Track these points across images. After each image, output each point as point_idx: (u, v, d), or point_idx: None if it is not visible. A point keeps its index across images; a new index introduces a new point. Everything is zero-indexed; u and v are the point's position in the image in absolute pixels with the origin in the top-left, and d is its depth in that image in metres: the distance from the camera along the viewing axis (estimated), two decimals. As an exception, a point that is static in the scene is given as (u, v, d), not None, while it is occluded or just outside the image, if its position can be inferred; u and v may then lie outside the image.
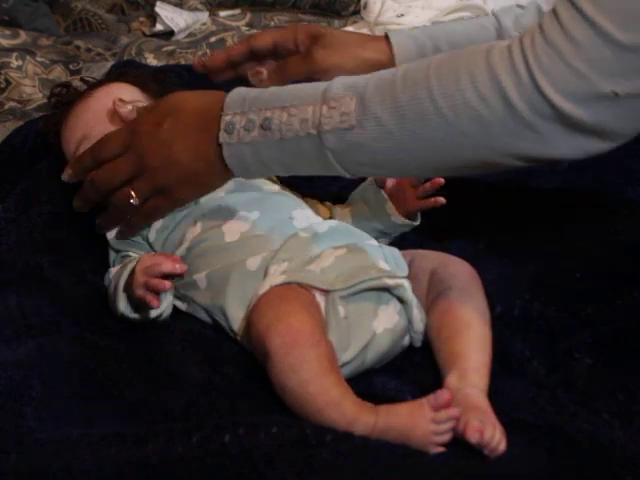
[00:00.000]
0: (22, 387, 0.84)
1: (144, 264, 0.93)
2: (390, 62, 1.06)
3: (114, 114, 1.09)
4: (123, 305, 0.94)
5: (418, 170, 0.86)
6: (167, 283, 0.91)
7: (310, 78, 1.05)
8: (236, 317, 0.94)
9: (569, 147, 0.77)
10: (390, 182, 1.07)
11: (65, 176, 1.02)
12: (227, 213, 1.01)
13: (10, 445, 0.76)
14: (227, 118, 0.88)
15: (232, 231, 0.99)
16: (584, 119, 0.75)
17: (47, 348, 0.90)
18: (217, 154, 0.89)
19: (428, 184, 1.04)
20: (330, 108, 0.83)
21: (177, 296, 0.99)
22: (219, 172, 0.91)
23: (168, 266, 0.91)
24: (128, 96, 1.13)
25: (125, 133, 0.97)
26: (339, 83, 0.85)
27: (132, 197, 0.96)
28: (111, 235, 1.05)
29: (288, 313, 0.85)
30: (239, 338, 0.94)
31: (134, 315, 0.95)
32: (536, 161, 0.80)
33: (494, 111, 0.76)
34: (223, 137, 0.88)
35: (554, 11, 0.76)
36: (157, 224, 1.04)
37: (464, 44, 0.99)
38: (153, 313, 0.94)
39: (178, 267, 0.92)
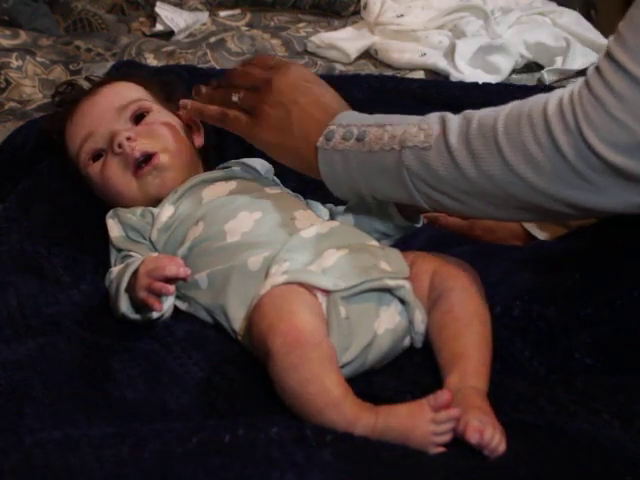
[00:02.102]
0: (22, 387, 0.84)
1: (147, 266, 0.92)
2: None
3: (120, 112, 1.10)
4: (125, 306, 0.94)
5: (480, 207, 0.89)
6: (171, 288, 0.90)
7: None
8: (237, 317, 0.94)
9: (619, 197, 0.81)
10: None
11: (196, 91, 1.05)
12: (229, 213, 1.01)
13: (10, 445, 0.76)
14: (332, 127, 0.96)
15: (234, 231, 0.99)
16: (632, 169, 0.79)
17: (47, 348, 0.90)
18: (313, 152, 0.96)
19: None
20: (420, 129, 0.90)
21: (178, 296, 0.99)
22: (307, 162, 0.97)
23: (172, 270, 0.90)
24: (133, 95, 1.13)
25: (271, 71, 1.02)
26: (436, 114, 0.92)
27: (238, 95, 1.00)
28: (114, 234, 1.05)
29: (290, 313, 0.85)
30: (240, 338, 0.94)
31: (135, 316, 0.95)
32: (589, 212, 0.85)
33: (548, 157, 0.82)
34: (321, 142, 0.96)
35: (597, 67, 0.81)
36: (159, 224, 1.04)
37: None
38: (155, 314, 0.94)
39: (182, 271, 0.91)
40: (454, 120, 0.89)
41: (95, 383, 0.86)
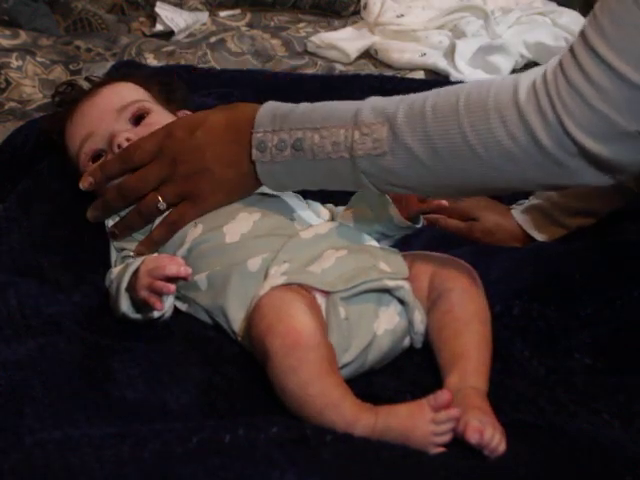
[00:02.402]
0: (22, 387, 0.84)
1: (148, 266, 0.92)
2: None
3: (120, 113, 1.10)
4: (125, 305, 0.94)
5: (450, 195, 0.91)
6: (172, 287, 0.91)
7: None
8: (237, 318, 0.94)
9: (593, 178, 0.82)
10: None
11: (85, 184, 1.05)
12: (228, 214, 1.00)
13: (10, 445, 0.76)
14: (258, 136, 0.92)
15: (233, 232, 0.99)
16: (606, 155, 0.79)
17: (47, 348, 0.90)
18: (250, 169, 0.94)
19: None
20: (362, 134, 0.87)
21: (177, 297, 0.99)
22: (251, 183, 0.96)
23: (172, 269, 0.90)
24: (134, 96, 1.13)
25: (156, 139, 1.00)
26: (369, 107, 0.88)
27: (159, 202, 0.99)
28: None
29: (289, 314, 0.85)
30: (239, 339, 0.94)
31: (136, 315, 0.95)
32: (563, 188, 0.88)
33: (524, 149, 0.81)
34: (256, 155, 0.93)
35: (572, 50, 0.80)
36: (159, 221, 1.04)
37: None
38: (155, 314, 0.94)
39: (183, 270, 0.91)
40: (399, 115, 0.86)
41: (95, 383, 0.86)
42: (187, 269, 0.91)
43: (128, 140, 1.06)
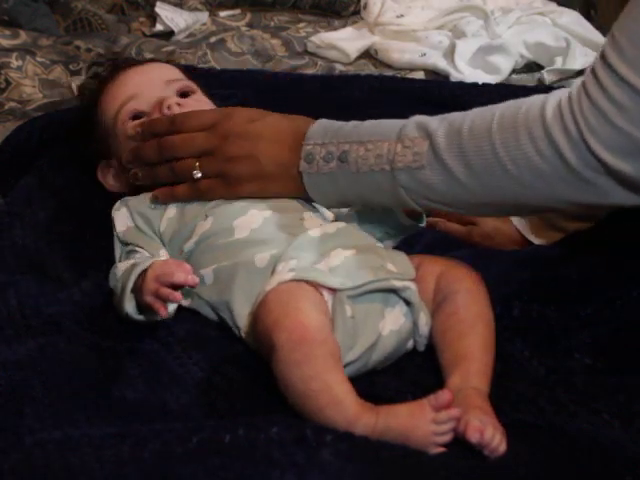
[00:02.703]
0: (22, 387, 0.84)
1: (156, 271, 0.91)
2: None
3: (168, 84, 1.12)
4: (129, 307, 0.94)
5: (487, 214, 0.94)
6: (178, 295, 0.90)
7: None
8: (242, 313, 0.93)
9: (623, 198, 0.83)
10: None
11: (132, 131, 1.07)
12: (239, 210, 1.01)
13: (10, 445, 0.76)
14: (307, 148, 0.95)
15: (242, 227, 0.99)
16: (630, 173, 0.80)
17: (47, 348, 0.90)
18: (297, 176, 0.96)
19: None
20: (404, 147, 0.89)
21: (183, 292, 0.99)
22: (292, 189, 0.98)
23: (180, 277, 0.90)
24: (181, 75, 1.16)
25: (213, 114, 1.03)
26: (414, 123, 0.91)
27: (197, 169, 1.00)
28: (120, 227, 1.05)
29: (296, 309, 0.85)
30: (243, 335, 0.94)
31: (139, 317, 0.94)
32: (598, 208, 0.88)
33: (551, 165, 0.83)
34: (303, 167, 0.95)
35: (594, 72, 0.81)
36: (169, 213, 1.04)
37: None
38: (159, 317, 0.93)
39: (190, 279, 0.90)
40: (439, 132, 0.89)
41: (95, 383, 0.86)
42: (195, 278, 0.90)
43: (179, 105, 1.09)
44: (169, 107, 1.08)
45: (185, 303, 0.99)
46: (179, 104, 1.09)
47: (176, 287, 0.90)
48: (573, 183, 0.83)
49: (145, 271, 0.93)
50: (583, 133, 0.80)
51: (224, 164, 0.99)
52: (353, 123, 0.96)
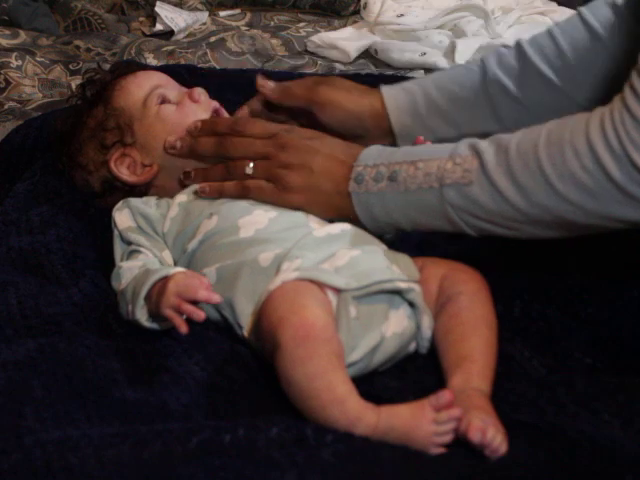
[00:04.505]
0: (22, 387, 0.84)
1: (178, 286, 0.89)
2: (383, 110, 1.13)
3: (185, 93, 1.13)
4: (141, 314, 0.92)
5: (534, 232, 0.91)
6: (202, 314, 0.87)
7: (309, 108, 1.12)
8: (245, 312, 0.93)
9: None
10: None
11: (191, 126, 1.07)
12: (244, 210, 1.01)
13: (10, 445, 0.76)
14: (358, 169, 0.96)
15: (247, 226, 0.99)
16: None
17: (47, 348, 0.90)
18: (347, 197, 0.97)
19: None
20: (454, 164, 0.91)
21: None
22: (341, 209, 0.98)
23: (203, 295, 0.88)
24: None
25: (276, 125, 1.05)
26: (466, 143, 0.92)
27: (249, 167, 1.01)
28: (123, 225, 1.04)
29: (302, 307, 0.85)
30: (245, 333, 0.93)
31: (151, 325, 0.93)
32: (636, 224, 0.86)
33: (596, 181, 0.83)
34: (352, 187, 0.96)
35: (632, 87, 0.82)
36: (173, 212, 1.04)
37: (452, 87, 1.10)
38: (170, 325, 0.92)
39: (214, 298, 0.88)
40: (488, 150, 0.89)
41: (95, 383, 0.86)
42: (217, 297, 0.88)
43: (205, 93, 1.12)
44: (199, 94, 1.10)
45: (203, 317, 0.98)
46: (205, 93, 1.11)
47: (196, 302, 0.89)
48: (618, 199, 0.83)
49: (159, 280, 0.91)
50: (626, 147, 0.81)
51: (278, 169, 1.00)
52: (405, 147, 0.97)
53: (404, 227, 0.97)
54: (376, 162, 0.95)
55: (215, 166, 1.05)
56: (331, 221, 1.01)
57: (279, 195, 1.00)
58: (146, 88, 1.12)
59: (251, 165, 1.01)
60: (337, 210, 0.99)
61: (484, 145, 0.90)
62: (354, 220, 0.98)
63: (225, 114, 1.13)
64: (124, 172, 1.11)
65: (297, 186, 0.99)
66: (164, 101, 1.11)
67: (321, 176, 0.98)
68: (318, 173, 0.98)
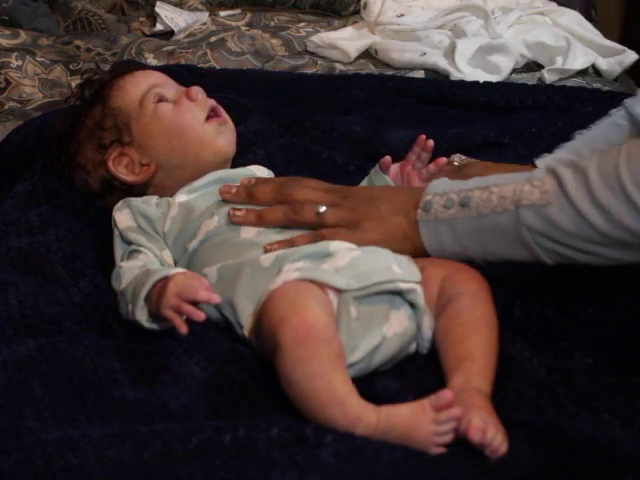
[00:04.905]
0: (22, 387, 0.84)
1: (178, 287, 0.89)
2: None
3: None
4: (141, 315, 0.92)
5: (613, 257, 0.88)
6: (202, 314, 0.88)
7: None
8: (245, 311, 0.93)
9: None
10: (394, 168, 1.09)
11: (246, 180, 1.04)
12: None
13: (10, 445, 0.76)
14: (427, 198, 0.94)
15: (249, 227, 0.99)
16: None
17: (47, 348, 0.90)
18: (415, 229, 0.94)
19: (432, 165, 1.08)
20: (532, 186, 0.88)
21: None
22: (411, 239, 0.95)
23: (203, 295, 0.88)
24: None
25: (329, 184, 1.02)
26: (544, 167, 0.91)
27: (321, 207, 0.98)
28: (123, 225, 1.04)
29: (303, 307, 0.86)
30: (246, 333, 0.93)
31: (151, 325, 0.93)
32: None
33: None
34: (420, 215, 0.94)
35: None
36: (173, 212, 1.04)
37: (605, 146, 1.07)
38: (170, 325, 0.92)
39: (214, 298, 0.88)
40: (567, 172, 0.88)
41: (95, 383, 0.86)
42: (217, 297, 0.89)
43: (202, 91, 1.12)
44: (197, 93, 1.11)
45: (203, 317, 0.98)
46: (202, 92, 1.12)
47: (196, 303, 0.89)
48: None
49: (159, 280, 0.91)
50: None
51: (347, 213, 0.98)
52: (477, 177, 0.95)
53: (473, 256, 0.94)
54: (446, 190, 0.93)
55: (276, 209, 1.01)
56: None
57: (355, 237, 0.97)
58: (143, 87, 1.12)
59: (324, 208, 0.98)
60: (412, 246, 0.96)
61: (562, 168, 0.89)
62: (423, 252, 0.96)
63: (222, 112, 1.13)
64: (122, 171, 1.11)
65: (369, 224, 0.97)
66: (161, 100, 1.11)
67: (388, 210, 0.96)
68: (384, 207, 0.96)
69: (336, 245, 0.96)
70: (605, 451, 0.78)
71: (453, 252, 0.94)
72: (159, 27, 2.08)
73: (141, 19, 2.16)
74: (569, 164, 0.89)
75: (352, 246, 0.96)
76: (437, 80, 1.76)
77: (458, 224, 0.92)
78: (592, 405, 0.84)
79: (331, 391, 0.81)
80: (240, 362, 0.92)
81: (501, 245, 0.91)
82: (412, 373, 0.92)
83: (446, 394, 0.80)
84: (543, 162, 1.14)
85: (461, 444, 0.79)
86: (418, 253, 0.96)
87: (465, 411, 0.80)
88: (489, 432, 0.78)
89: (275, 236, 0.98)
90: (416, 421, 0.79)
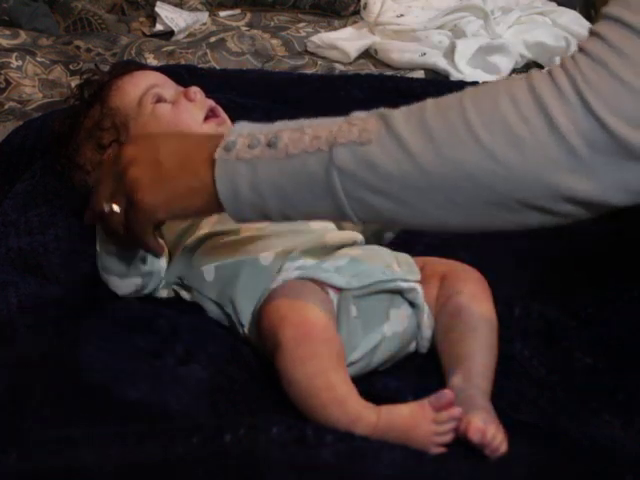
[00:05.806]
0: (22, 387, 0.84)
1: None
2: None
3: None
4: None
5: (436, 206, 0.74)
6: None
7: None
8: (245, 310, 0.93)
9: (615, 182, 0.69)
10: None
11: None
12: None
13: (10, 445, 0.76)
14: (230, 138, 0.80)
15: (248, 225, 0.99)
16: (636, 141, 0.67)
17: (47, 348, 0.90)
18: (208, 171, 0.79)
19: None
20: (351, 125, 0.76)
21: (181, 286, 0.99)
22: (201, 191, 0.81)
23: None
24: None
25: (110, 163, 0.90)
26: (364, 111, 0.78)
27: (110, 205, 0.87)
28: None
29: (303, 306, 0.86)
30: (247, 331, 0.94)
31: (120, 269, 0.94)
32: (575, 202, 0.71)
33: (536, 134, 0.69)
34: (219, 153, 0.79)
35: (595, 32, 0.70)
36: None
37: None
38: (143, 268, 0.93)
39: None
40: (396, 111, 0.75)
41: (95, 383, 0.86)
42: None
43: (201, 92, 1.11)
44: (195, 93, 1.10)
45: (187, 297, 0.99)
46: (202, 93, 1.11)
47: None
48: (558, 158, 0.69)
49: None
50: (582, 91, 0.68)
51: (124, 178, 0.84)
52: (292, 121, 0.81)
53: (270, 209, 0.79)
54: (253, 131, 0.79)
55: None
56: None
57: (136, 209, 0.84)
58: (142, 87, 1.12)
59: (114, 204, 0.86)
60: (203, 198, 0.81)
61: (391, 109, 0.76)
62: (214, 206, 0.81)
63: (222, 113, 1.13)
64: None
65: (147, 185, 0.83)
66: (159, 100, 1.11)
67: (171, 164, 0.82)
68: (168, 162, 0.82)
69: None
70: (605, 451, 0.78)
71: (248, 202, 0.78)
72: (159, 27, 2.08)
73: (141, 19, 2.17)
74: (404, 107, 0.76)
75: (353, 245, 0.96)
76: (437, 80, 1.76)
77: (260, 165, 0.77)
78: (592, 405, 0.84)
79: (331, 390, 0.81)
80: (241, 362, 0.92)
81: (304, 195, 0.77)
82: (412, 372, 0.92)
83: (446, 394, 0.80)
84: None
85: (461, 444, 0.79)
86: (206, 210, 0.83)
87: (465, 411, 0.80)
88: (489, 432, 0.78)
89: (270, 235, 0.98)
90: (416, 421, 0.79)
